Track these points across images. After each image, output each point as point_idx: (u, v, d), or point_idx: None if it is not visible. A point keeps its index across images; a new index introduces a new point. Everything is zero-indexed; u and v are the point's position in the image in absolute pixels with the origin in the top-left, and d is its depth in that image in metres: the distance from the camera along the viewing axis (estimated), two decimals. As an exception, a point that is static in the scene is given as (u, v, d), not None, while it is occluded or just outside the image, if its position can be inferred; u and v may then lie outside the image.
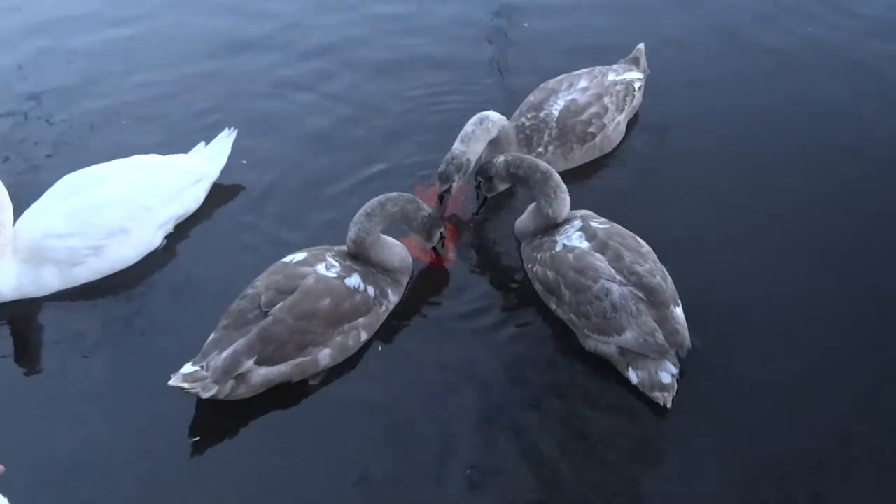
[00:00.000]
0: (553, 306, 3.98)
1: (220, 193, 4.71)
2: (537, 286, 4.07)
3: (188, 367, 3.51)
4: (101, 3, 6.76)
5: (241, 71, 5.86)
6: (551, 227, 4.12)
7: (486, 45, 6.10)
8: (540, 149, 4.69)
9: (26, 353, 3.97)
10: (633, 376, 3.67)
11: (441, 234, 4.19)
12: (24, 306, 4.10)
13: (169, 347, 3.80)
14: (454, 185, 4.40)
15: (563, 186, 4.10)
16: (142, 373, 3.77)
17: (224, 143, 4.75)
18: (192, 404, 3.61)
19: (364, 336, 3.86)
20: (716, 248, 4.37)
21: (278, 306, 3.63)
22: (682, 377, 3.66)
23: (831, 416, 3.61)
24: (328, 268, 3.84)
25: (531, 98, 4.91)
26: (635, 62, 5.24)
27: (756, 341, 3.91)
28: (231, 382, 3.52)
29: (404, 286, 4.13)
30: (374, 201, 3.97)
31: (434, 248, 4.27)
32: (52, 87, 5.73)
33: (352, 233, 3.95)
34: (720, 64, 5.79)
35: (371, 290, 3.88)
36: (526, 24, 6.30)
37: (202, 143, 4.79)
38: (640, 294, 3.70)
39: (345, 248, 4.01)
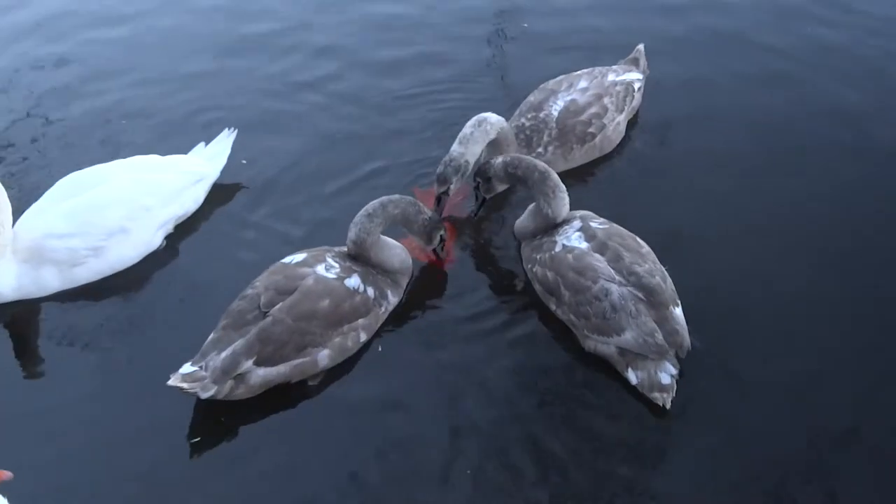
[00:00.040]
0: (552, 307, 3.98)
1: (220, 193, 4.71)
2: (537, 287, 4.07)
3: (187, 368, 3.50)
4: (100, 2, 6.76)
5: (242, 70, 5.86)
6: (551, 227, 4.12)
7: (485, 44, 6.10)
8: (540, 149, 4.69)
9: (26, 354, 3.97)
10: (632, 377, 3.67)
11: (441, 236, 4.19)
12: (24, 306, 4.10)
13: (169, 348, 3.80)
14: (452, 187, 4.40)
15: (562, 186, 4.10)
16: (142, 373, 3.77)
17: (224, 143, 4.75)
18: (192, 404, 3.61)
19: (363, 337, 3.86)
20: (716, 248, 4.37)
21: (277, 307, 3.63)
22: (681, 377, 3.66)
23: (831, 416, 3.61)
24: (328, 268, 3.84)
25: (531, 98, 4.92)
26: (635, 63, 5.24)
27: (756, 341, 3.91)
28: (230, 383, 3.52)
29: (404, 287, 4.13)
30: (375, 202, 3.97)
31: (434, 251, 4.26)
32: (52, 87, 5.74)
33: (352, 233, 3.95)
34: (720, 64, 5.79)
35: (371, 291, 3.88)
36: (526, 25, 6.31)
37: (202, 144, 4.79)
38: (640, 294, 3.70)
39: (345, 248, 4.01)
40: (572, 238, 3.96)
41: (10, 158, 5.08)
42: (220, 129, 4.86)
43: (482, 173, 4.36)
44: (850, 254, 4.34)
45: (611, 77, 4.98)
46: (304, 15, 6.48)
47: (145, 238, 4.30)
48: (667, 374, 3.62)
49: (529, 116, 4.77)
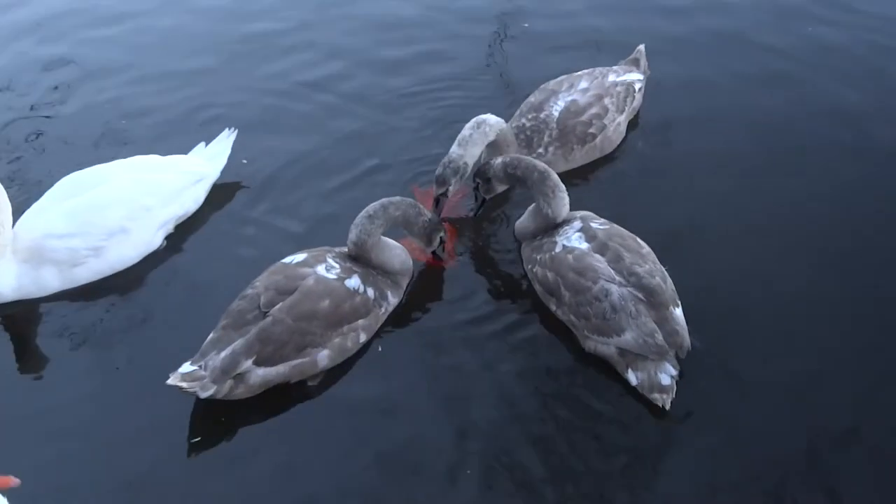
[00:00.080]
0: (553, 307, 3.97)
1: (221, 194, 4.71)
2: (537, 287, 4.07)
3: (186, 367, 3.51)
4: (100, 1, 6.75)
5: (242, 69, 5.86)
6: (551, 227, 4.11)
7: (486, 43, 6.10)
8: (540, 149, 4.69)
9: (26, 354, 3.97)
10: (632, 378, 3.67)
11: (441, 238, 4.19)
12: (24, 307, 4.10)
13: (169, 348, 3.79)
14: (451, 188, 4.40)
15: (562, 186, 4.10)
16: (142, 373, 3.77)
17: (224, 143, 4.75)
18: (192, 404, 3.61)
19: (363, 338, 3.86)
20: (716, 248, 4.37)
21: (277, 307, 3.63)
22: (681, 378, 3.66)
23: (831, 416, 3.61)
24: (328, 269, 3.84)
25: (531, 99, 4.92)
26: (635, 63, 5.24)
27: (756, 341, 3.91)
28: (229, 382, 3.52)
29: (404, 288, 4.13)
30: (376, 204, 3.97)
31: (434, 252, 4.26)
32: (52, 87, 5.74)
33: (353, 235, 3.95)
34: (720, 64, 5.79)
35: (371, 292, 3.88)
36: (526, 25, 6.31)
37: (202, 144, 4.79)
38: (640, 295, 3.70)
39: (345, 249, 4.01)
40: (572, 238, 3.96)
41: (9, 158, 5.09)
42: (220, 129, 4.86)
43: (482, 174, 4.36)
44: (850, 254, 4.34)
45: (611, 77, 4.98)
46: (305, 14, 6.48)
47: (145, 238, 4.31)
48: (666, 375, 3.62)
49: (530, 117, 4.77)
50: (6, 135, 5.29)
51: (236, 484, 3.39)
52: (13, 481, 2.87)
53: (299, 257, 3.90)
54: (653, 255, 3.92)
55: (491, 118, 4.49)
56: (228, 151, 4.72)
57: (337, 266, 3.87)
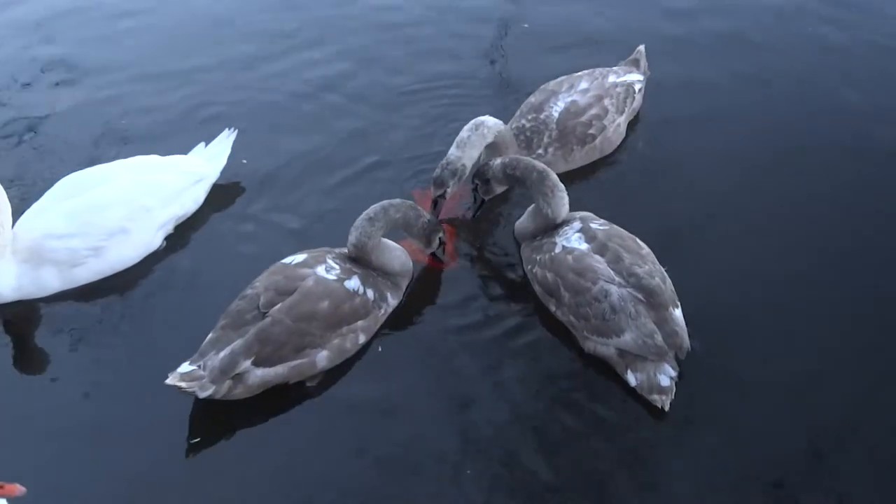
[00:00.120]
0: (552, 308, 3.97)
1: (221, 194, 4.71)
2: (536, 288, 4.07)
3: (185, 367, 3.51)
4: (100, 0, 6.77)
5: (243, 69, 5.85)
6: (551, 228, 4.11)
7: (487, 42, 6.10)
8: (540, 150, 4.69)
9: (26, 354, 3.97)
10: (631, 379, 3.66)
11: (440, 239, 4.19)
12: (24, 307, 4.10)
13: (169, 348, 3.79)
14: (449, 190, 4.40)
15: (561, 185, 4.10)
16: (142, 373, 3.77)
17: (224, 143, 4.75)
18: (192, 404, 3.61)
19: (362, 339, 3.85)
20: (716, 249, 4.37)
21: (277, 307, 3.63)
22: (681, 378, 3.66)
23: (831, 416, 3.61)
24: (328, 270, 3.83)
25: (531, 100, 4.91)
26: (636, 64, 5.23)
27: (756, 341, 3.91)
28: (228, 382, 3.52)
29: (404, 289, 4.13)
30: (376, 206, 3.97)
31: (434, 254, 4.26)
32: (52, 86, 5.73)
33: (353, 237, 3.94)
34: (720, 64, 5.79)
35: (370, 293, 3.88)
36: (526, 25, 6.30)
37: (202, 144, 4.79)
38: (640, 296, 3.70)
39: (345, 250, 4.01)
40: (572, 239, 3.96)
41: (9, 158, 5.08)
42: (220, 129, 4.86)
43: (480, 175, 4.36)
44: (850, 254, 4.34)
45: (611, 78, 4.98)
46: (305, 13, 6.47)
47: (145, 238, 4.30)
48: (666, 376, 3.62)
49: (530, 118, 4.77)
50: (6, 134, 5.29)
51: (236, 484, 3.39)
52: (19, 489, 2.87)
53: (299, 258, 3.90)
54: (652, 256, 3.92)
55: (489, 120, 4.49)
56: (228, 151, 4.71)
57: (337, 267, 3.87)
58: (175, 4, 6.72)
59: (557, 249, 3.94)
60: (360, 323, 3.82)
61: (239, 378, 3.55)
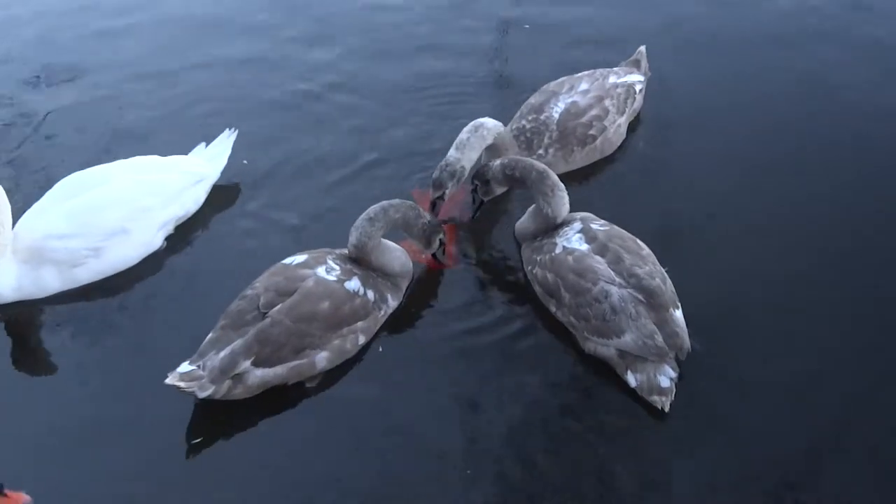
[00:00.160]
0: (552, 309, 3.97)
1: (221, 194, 4.71)
2: (537, 288, 4.06)
3: (185, 367, 3.50)
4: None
5: (243, 69, 5.87)
6: (551, 228, 4.11)
7: (487, 42, 6.11)
8: (540, 151, 4.69)
9: (26, 355, 3.97)
10: (631, 380, 3.66)
11: (440, 240, 4.19)
12: (24, 307, 4.10)
13: (169, 348, 3.79)
14: (447, 191, 4.40)
15: (561, 185, 4.10)
16: (142, 373, 3.77)
17: (224, 143, 4.75)
18: (192, 405, 3.61)
19: (362, 340, 3.85)
20: (716, 249, 4.37)
21: (277, 308, 3.63)
22: (681, 378, 3.66)
23: (831, 416, 3.61)
24: (328, 271, 3.83)
25: (532, 100, 4.92)
26: (636, 64, 5.24)
27: (756, 341, 3.90)
28: (227, 383, 3.52)
29: (404, 290, 4.13)
30: (376, 206, 3.97)
31: (434, 254, 4.26)
32: (52, 86, 5.74)
33: (353, 237, 3.94)
34: (721, 65, 5.79)
35: (370, 294, 3.88)
36: (527, 26, 6.31)
37: (202, 144, 4.79)
38: (640, 296, 3.70)
39: (346, 251, 4.01)
40: (572, 240, 3.96)
41: (9, 158, 5.08)
42: (220, 128, 4.86)
43: (480, 176, 4.36)
44: (850, 254, 4.34)
45: (612, 79, 4.98)
46: (305, 12, 6.49)
47: (146, 239, 4.30)
48: (666, 377, 3.62)
49: (530, 118, 4.77)
50: (6, 135, 5.29)
51: (236, 484, 3.39)
52: (24, 499, 2.87)
53: (300, 258, 3.90)
54: (653, 257, 3.92)
55: (489, 122, 4.49)
56: (229, 152, 4.72)
57: (337, 268, 3.87)
58: (175, 4, 6.73)
59: (558, 250, 3.94)
60: (360, 324, 3.82)
61: (238, 378, 3.55)
